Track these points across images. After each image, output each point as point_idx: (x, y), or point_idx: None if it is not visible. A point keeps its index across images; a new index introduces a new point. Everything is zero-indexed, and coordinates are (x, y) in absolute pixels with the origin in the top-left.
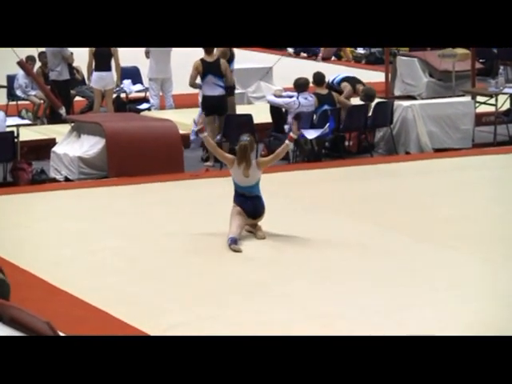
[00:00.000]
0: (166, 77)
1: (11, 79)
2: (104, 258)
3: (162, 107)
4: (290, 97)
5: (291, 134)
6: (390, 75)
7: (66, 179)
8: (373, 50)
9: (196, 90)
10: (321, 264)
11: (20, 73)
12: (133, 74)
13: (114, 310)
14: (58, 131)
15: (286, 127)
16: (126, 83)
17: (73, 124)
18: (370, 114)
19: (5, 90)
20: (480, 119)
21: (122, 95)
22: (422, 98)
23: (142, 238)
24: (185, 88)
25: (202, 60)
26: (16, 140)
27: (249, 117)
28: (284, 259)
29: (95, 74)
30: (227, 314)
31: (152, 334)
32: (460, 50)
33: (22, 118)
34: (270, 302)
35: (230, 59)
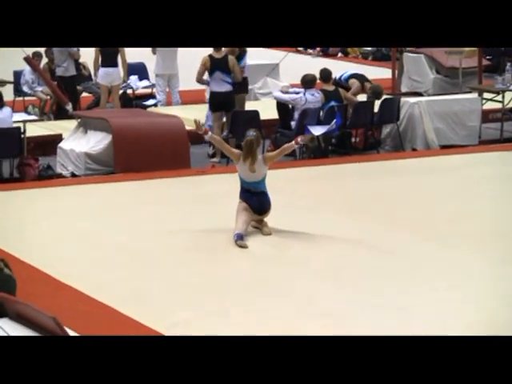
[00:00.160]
0: (173, 73)
1: (18, 75)
2: (110, 254)
3: (168, 103)
4: (297, 93)
5: (299, 138)
6: (396, 72)
7: (73, 175)
8: None
9: (203, 87)
10: (326, 262)
11: (27, 69)
12: (139, 70)
13: (119, 305)
14: (64, 127)
15: (293, 123)
16: (133, 79)
17: (79, 120)
18: (376, 110)
19: (11, 86)
20: (487, 116)
21: (129, 91)
22: (429, 95)
23: (147, 234)
24: (191, 84)
25: (211, 56)
26: (22, 136)
27: (255, 113)
28: (289, 256)
29: (102, 70)
30: (231, 312)
31: (155, 329)
32: (467, 47)
33: (29, 113)
34: (275, 299)
35: (241, 55)
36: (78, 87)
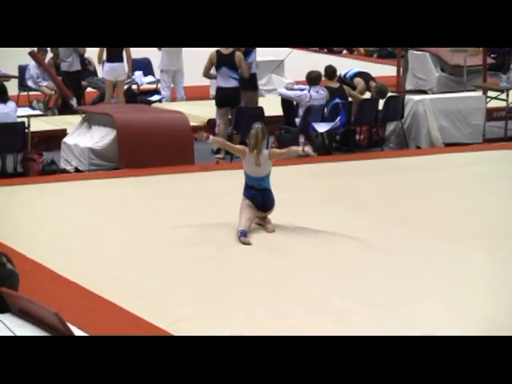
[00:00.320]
0: (178, 68)
1: (23, 70)
2: (113, 250)
3: (173, 99)
4: (302, 90)
5: (306, 148)
6: (401, 69)
7: (77, 170)
8: None
9: (207, 83)
10: (330, 258)
11: (31, 63)
12: (144, 66)
13: (123, 301)
14: (68, 122)
15: (297, 120)
16: (138, 75)
17: (84, 115)
18: (380, 107)
19: (16, 81)
20: (491, 114)
21: (134, 87)
22: (434, 93)
23: (151, 230)
24: (196, 80)
25: (218, 52)
26: (27, 130)
27: (260, 109)
28: (293, 253)
29: (107, 65)
30: (235, 308)
31: (159, 326)
32: (472, 47)
33: (33, 108)
34: (279, 296)
35: (248, 52)
36: (83, 82)
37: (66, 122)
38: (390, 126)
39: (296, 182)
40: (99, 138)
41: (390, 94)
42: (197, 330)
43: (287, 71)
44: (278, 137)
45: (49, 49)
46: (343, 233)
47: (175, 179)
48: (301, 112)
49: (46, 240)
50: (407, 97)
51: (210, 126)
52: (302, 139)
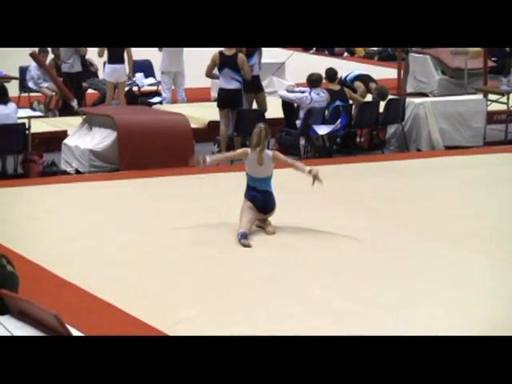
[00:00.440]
0: (179, 70)
1: (23, 71)
2: (113, 251)
3: (173, 101)
4: (303, 92)
5: (313, 171)
6: (402, 72)
7: (77, 172)
8: None
9: (208, 84)
10: (330, 260)
11: (32, 64)
12: (145, 68)
13: (122, 303)
14: (69, 123)
15: (298, 122)
16: (139, 76)
17: (84, 116)
18: (381, 110)
19: (17, 82)
20: (491, 117)
21: (134, 88)
22: (434, 96)
23: (151, 232)
24: (197, 82)
25: (221, 53)
26: (27, 132)
27: (261, 112)
28: (293, 254)
29: (108, 67)
30: (236, 309)
31: (159, 328)
32: (472, 48)
33: (34, 109)
34: (279, 297)
35: (250, 54)
36: (84, 84)
37: (66, 123)
38: (391, 129)
39: (296, 185)
40: (100, 139)
41: (390, 97)
42: (197, 332)
43: (288, 73)
44: (278, 139)
45: (50, 50)
46: (343, 235)
47: (176, 181)
48: (301, 114)
49: (46, 241)
50: (408, 99)
51: (210, 128)
52: (302, 141)
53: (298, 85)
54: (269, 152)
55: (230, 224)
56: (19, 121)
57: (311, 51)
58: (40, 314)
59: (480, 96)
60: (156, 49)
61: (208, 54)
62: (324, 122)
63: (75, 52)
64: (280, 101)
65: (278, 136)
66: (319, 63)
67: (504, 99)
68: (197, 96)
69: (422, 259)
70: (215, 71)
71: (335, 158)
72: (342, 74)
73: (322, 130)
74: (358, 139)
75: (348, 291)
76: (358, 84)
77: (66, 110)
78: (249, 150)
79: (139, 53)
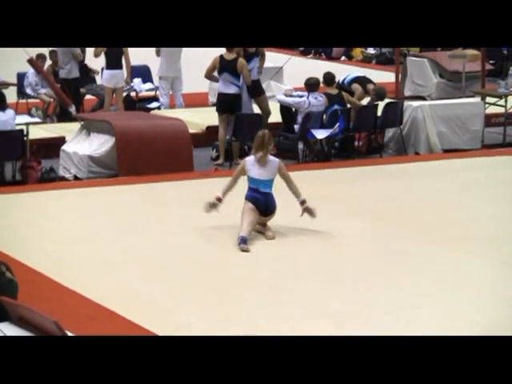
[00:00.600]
0: (176, 75)
1: (21, 77)
2: (113, 257)
3: (171, 106)
4: (301, 96)
5: (305, 206)
6: (400, 75)
7: (76, 178)
8: (383, 50)
9: (206, 90)
10: (330, 262)
11: (30, 71)
12: (143, 73)
13: (122, 309)
14: (67, 129)
15: (296, 127)
16: (137, 82)
17: (82, 122)
18: (379, 114)
19: (15, 88)
20: (489, 120)
21: (132, 94)
22: (432, 99)
23: (151, 237)
24: (195, 87)
25: (221, 57)
26: (25, 138)
27: (259, 116)
28: (293, 257)
29: (107, 72)
30: (236, 312)
31: (160, 333)
32: (470, 51)
33: (32, 116)
34: (279, 299)
35: (249, 58)
36: (82, 89)
37: (64, 129)
38: (389, 133)
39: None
40: (98, 145)
41: (388, 100)
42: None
43: (286, 78)
44: (277, 143)
45: (47, 56)
46: (343, 238)
47: (174, 186)
48: (299, 119)
49: (45, 248)
50: (406, 103)
51: (208, 133)
52: (300, 146)
53: (296, 89)
54: (275, 159)
55: (229, 228)
56: (17, 127)
57: (309, 56)
58: (40, 320)
59: (478, 99)
60: (154, 54)
61: (205, 59)
62: (322, 126)
63: (73, 58)
64: (278, 105)
65: (277, 140)
66: (317, 67)
67: (502, 102)
68: (194, 101)
69: (422, 261)
70: (215, 74)
71: (333, 162)
72: (339, 77)
73: (320, 134)
74: (356, 143)
75: (348, 293)
76: (356, 86)
77: (64, 116)
78: (245, 159)
79: (137, 58)
